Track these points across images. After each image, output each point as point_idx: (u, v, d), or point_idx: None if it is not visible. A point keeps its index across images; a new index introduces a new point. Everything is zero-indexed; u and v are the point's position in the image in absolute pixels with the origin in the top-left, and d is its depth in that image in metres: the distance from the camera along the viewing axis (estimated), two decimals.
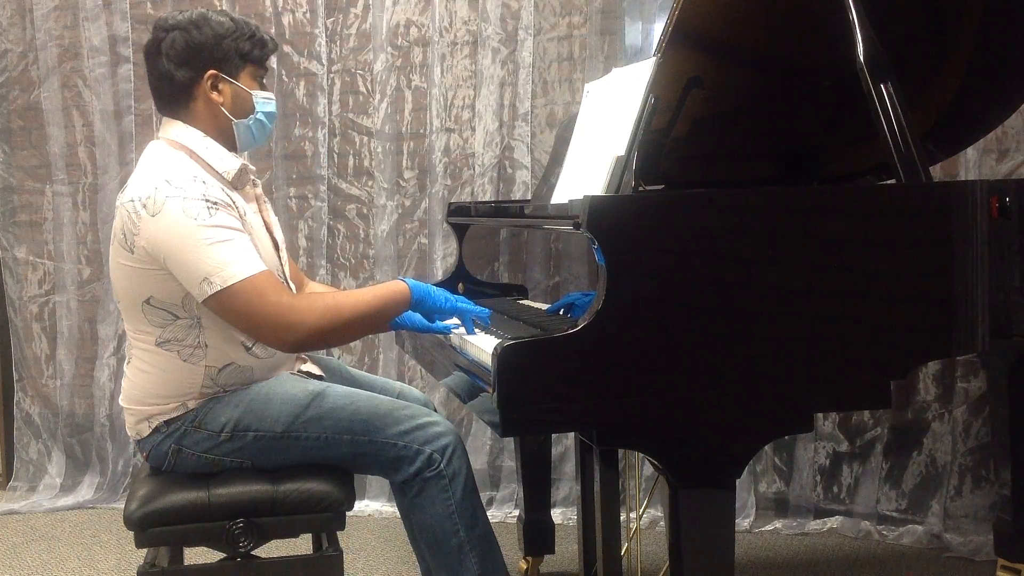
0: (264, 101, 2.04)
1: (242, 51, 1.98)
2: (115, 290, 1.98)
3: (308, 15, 3.48)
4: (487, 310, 2.06)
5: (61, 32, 3.64)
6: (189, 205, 1.81)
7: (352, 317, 1.88)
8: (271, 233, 2.07)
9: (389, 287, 1.95)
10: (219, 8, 3.49)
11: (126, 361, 2.04)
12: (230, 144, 2.01)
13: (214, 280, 1.80)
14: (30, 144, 3.74)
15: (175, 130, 1.98)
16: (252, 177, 2.05)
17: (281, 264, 2.06)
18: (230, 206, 1.87)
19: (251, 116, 2.02)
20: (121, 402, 2.03)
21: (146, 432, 1.98)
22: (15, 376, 3.79)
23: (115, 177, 3.63)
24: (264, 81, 2.07)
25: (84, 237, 3.71)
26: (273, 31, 3.47)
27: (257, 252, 1.88)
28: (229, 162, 1.96)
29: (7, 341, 3.81)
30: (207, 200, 1.82)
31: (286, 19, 3.48)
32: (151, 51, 1.97)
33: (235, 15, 2.02)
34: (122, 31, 3.59)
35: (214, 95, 1.97)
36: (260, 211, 2.06)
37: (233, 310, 1.83)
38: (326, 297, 1.91)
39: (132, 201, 1.84)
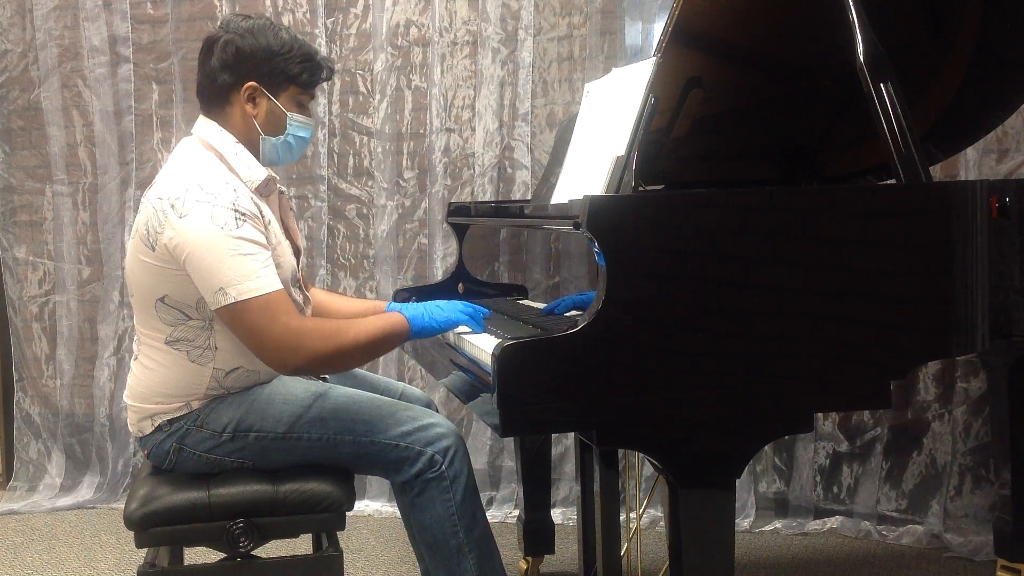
0: (298, 125, 2.03)
1: (290, 72, 1.98)
2: (129, 284, 1.98)
3: (308, 15, 3.48)
4: (485, 310, 2.06)
5: (61, 32, 3.64)
6: (218, 212, 1.81)
7: (354, 347, 1.87)
8: (293, 241, 2.08)
9: (391, 321, 1.93)
10: (220, 9, 3.50)
11: (133, 357, 2.04)
12: (255, 154, 2.01)
13: (229, 291, 1.80)
14: (30, 144, 3.74)
15: (209, 130, 1.98)
16: (279, 187, 2.05)
17: (299, 272, 2.07)
18: (257, 217, 1.88)
19: (280, 136, 2.02)
20: (125, 398, 2.03)
21: (148, 430, 1.98)
22: (15, 376, 3.79)
23: (115, 177, 3.63)
24: (309, 105, 2.07)
25: (84, 237, 3.71)
26: None
27: (278, 264, 1.89)
28: (255, 172, 1.97)
29: (7, 341, 3.81)
30: (236, 210, 1.83)
31: (286, 19, 3.47)
32: (205, 47, 1.98)
33: (298, 35, 2.02)
34: (122, 31, 3.59)
35: (249, 107, 1.97)
36: (284, 218, 2.07)
37: (243, 325, 1.83)
38: (330, 324, 1.90)
39: (161, 199, 1.85)
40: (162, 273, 1.87)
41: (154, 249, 1.86)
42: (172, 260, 1.85)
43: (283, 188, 2.08)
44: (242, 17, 2.00)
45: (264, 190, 1.98)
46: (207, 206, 1.82)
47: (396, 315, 1.95)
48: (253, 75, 1.96)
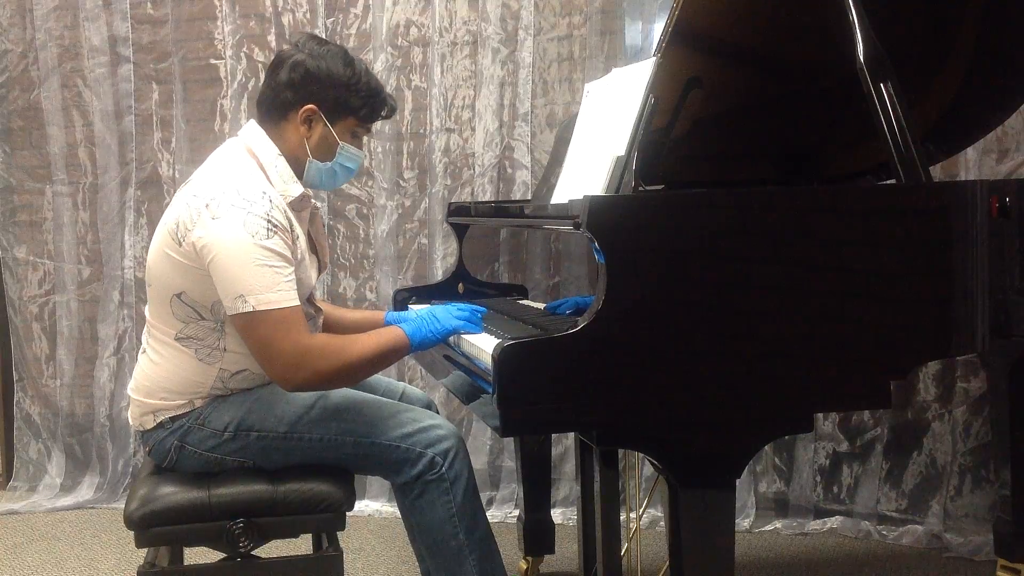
0: (348, 156, 2.03)
1: (351, 104, 1.98)
2: (149, 275, 1.98)
3: (308, 15, 3.48)
4: (482, 309, 2.07)
5: (61, 32, 3.64)
6: (251, 220, 1.82)
7: (356, 366, 1.88)
8: (320, 257, 2.09)
9: (392, 337, 1.92)
10: (219, 9, 3.50)
11: (140, 349, 2.04)
12: (299, 173, 2.01)
13: (249, 300, 1.81)
14: (30, 144, 3.74)
15: (255, 138, 1.98)
16: (313, 202, 2.05)
17: (316, 287, 2.07)
18: (287, 231, 1.88)
19: (327, 163, 2.02)
20: (129, 391, 2.04)
21: (149, 425, 1.99)
22: (15, 376, 3.79)
23: (115, 177, 3.63)
24: (363, 138, 2.07)
25: (84, 237, 3.71)
26: (273, 31, 3.47)
27: (298, 279, 1.90)
28: (291, 187, 1.97)
29: (7, 341, 3.81)
30: (269, 220, 1.83)
31: (286, 19, 3.47)
32: (277, 61, 1.99)
33: (370, 71, 2.02)
34: (122, 31, 3.59)
35: (303, 128, 1.97)
36: (315, 234, 2.08)
37: (255, 335, 1.84)
38: (335, 343, 1.90)
39: (196, 197, 1.86)
40: (184, 270, 1.88)
41: (181, 245, 1.86)
42: (197, 259, 1.85)
43: (317, 204, 2.08)
44: (318, 41, 2.00)
45: (297, 205, 1.98)
46: (241, 212, 1.82)
47: (397, 331, 1.94)
48: (315, 99, 1.96)
